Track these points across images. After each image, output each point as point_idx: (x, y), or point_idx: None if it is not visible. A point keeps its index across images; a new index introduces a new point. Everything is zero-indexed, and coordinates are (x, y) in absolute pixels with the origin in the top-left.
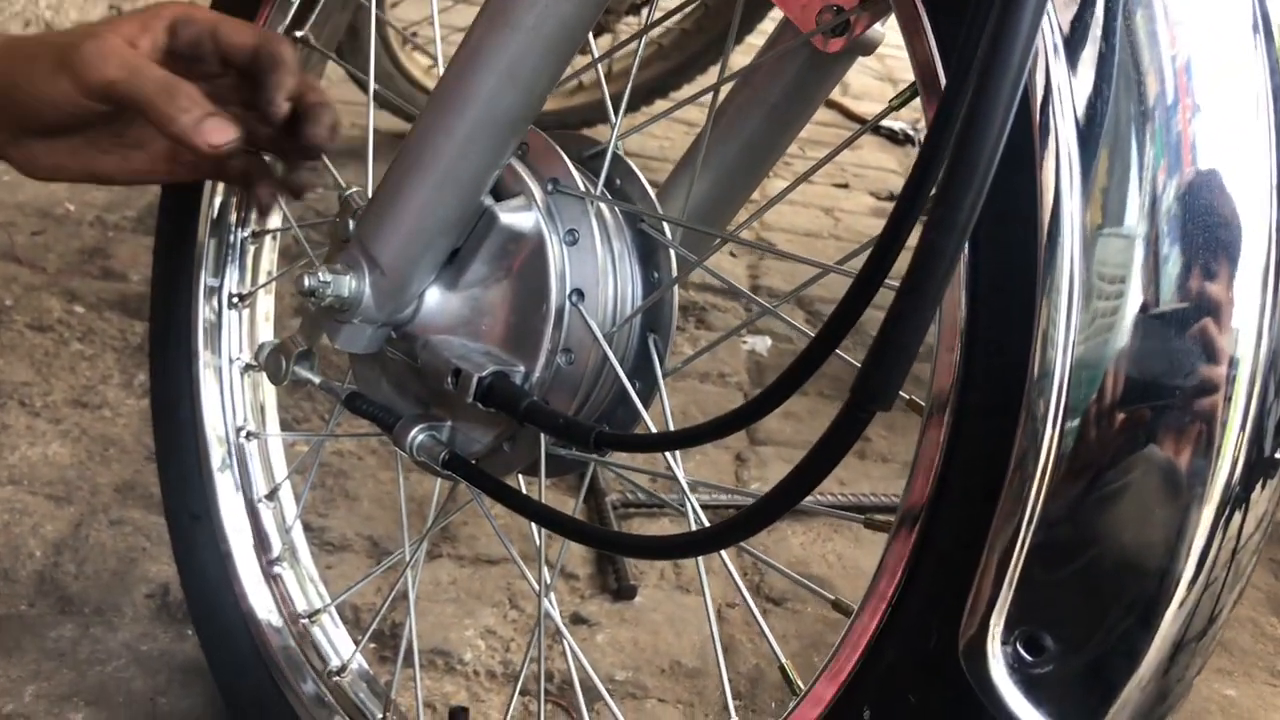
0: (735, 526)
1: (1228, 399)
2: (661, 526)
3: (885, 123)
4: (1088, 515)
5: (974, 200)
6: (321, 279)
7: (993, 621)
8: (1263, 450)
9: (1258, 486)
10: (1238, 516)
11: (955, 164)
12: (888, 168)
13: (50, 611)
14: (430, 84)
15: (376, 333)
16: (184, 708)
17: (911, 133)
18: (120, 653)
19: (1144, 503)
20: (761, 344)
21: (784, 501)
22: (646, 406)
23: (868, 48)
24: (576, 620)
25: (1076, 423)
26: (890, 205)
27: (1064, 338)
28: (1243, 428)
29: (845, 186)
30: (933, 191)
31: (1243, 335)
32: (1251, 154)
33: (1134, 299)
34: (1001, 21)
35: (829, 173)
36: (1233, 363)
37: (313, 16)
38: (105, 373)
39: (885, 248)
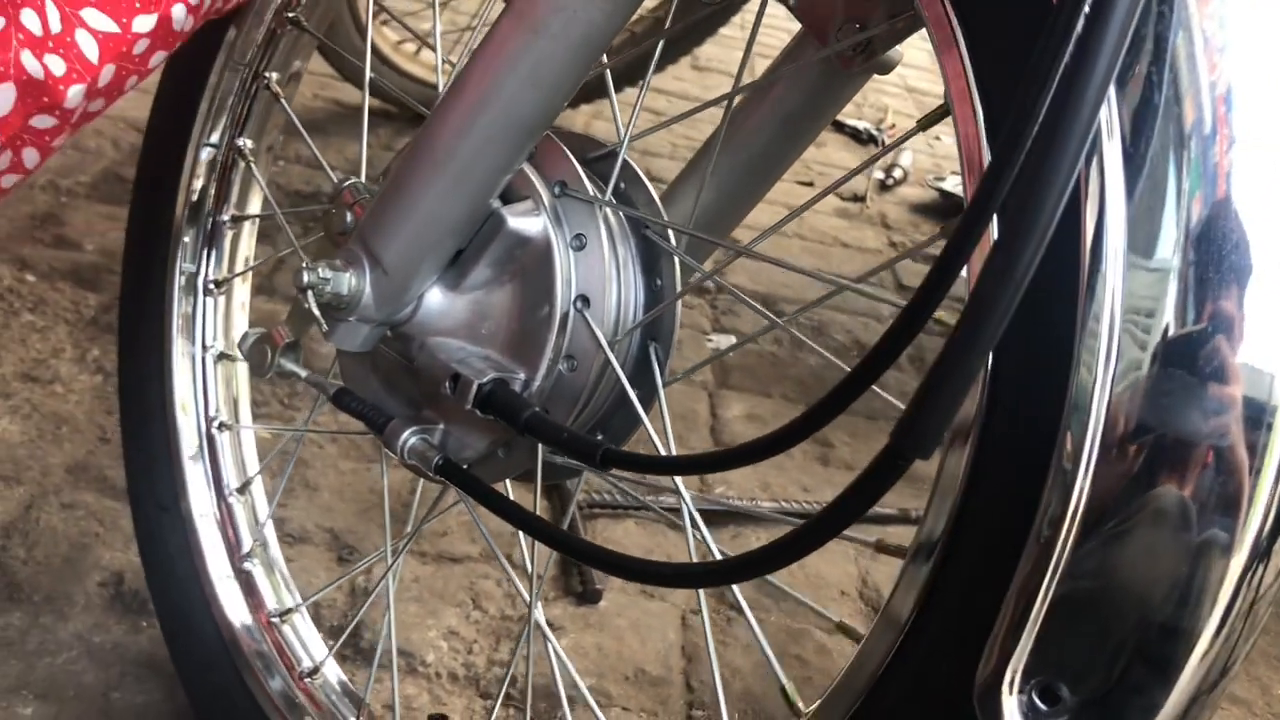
0: (758, 561)
1: (1262, 447)
2: (626, 528)
3: (850, 122)
4: (1114, 566)
5: (1033, 252)
6: (321, 274)
7: (1010, 668)
8: None
9: None
10: (1261, 569)
11: (1017, 212)
12: (851, 167)
13: None
14: (397, 59)
15: (373, 331)
16: (138, 703)
17: (875, 133)
18: (71, 644)
19: (1173, 554)
20: (727, 343)
21: (810, 540)
22: (646, 414)
23: (885, 67)
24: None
25: (1108, 468)
26: (853, 205)
27: (1101, 374)
28: (1276, 480)
29: (810, 184)
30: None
31: (1277, 381)
32: None
33: (1159, 333)
34: (1077, 61)
35: (794, 170)
36: (1268, 410)
37: None
38: (57, 346)
39: (932, 288)
